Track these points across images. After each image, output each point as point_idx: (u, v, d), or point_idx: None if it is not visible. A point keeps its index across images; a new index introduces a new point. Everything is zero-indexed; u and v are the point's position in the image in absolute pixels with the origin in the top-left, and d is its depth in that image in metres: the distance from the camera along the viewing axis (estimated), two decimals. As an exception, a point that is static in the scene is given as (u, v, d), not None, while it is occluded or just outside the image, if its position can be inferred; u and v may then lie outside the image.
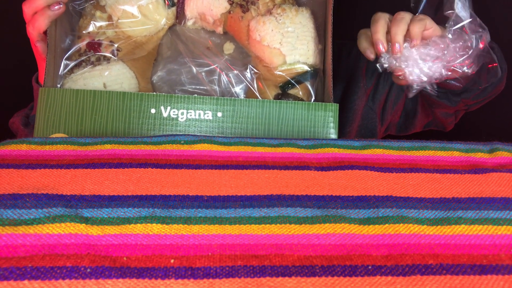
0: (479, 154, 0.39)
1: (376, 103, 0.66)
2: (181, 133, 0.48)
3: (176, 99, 0.49)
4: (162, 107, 0.49)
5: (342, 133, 0.65)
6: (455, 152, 0.39)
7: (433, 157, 0.38)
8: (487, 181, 0.35)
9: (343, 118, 0.65)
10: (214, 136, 0.40)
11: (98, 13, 0.52)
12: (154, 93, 0.50)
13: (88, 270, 0.24)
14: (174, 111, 0.49)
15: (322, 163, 0.37)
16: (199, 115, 0.49)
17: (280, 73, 0.53)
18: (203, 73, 0.55)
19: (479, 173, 0.36)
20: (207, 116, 0.50)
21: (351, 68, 0.67)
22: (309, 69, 0.53)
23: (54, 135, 0.47)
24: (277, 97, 0.54)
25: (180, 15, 0.56)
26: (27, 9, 0.48)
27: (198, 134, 0.49)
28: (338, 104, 0.50)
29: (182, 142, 0.38)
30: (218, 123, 0.49)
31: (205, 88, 0.55)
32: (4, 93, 1.05)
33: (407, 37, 0.48)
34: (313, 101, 0.53)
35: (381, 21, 0.49)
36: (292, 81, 0.53)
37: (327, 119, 0.50)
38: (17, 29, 0.59)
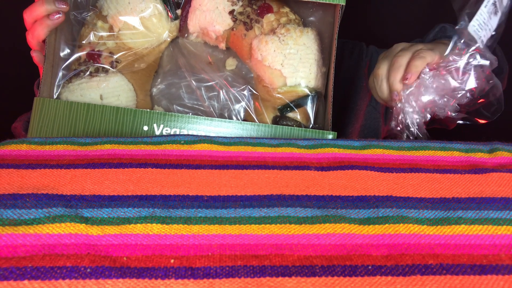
0: (479, 154, 0.38)
1: (380, 102, 0.66)
2: (181, 133, 0.48)
3: (170, 117, 0.48)
4: (155, 125, 0.48)
5: (344, 134, 0.65)
6: (455, 152, 0.39)
7: (433, 157, 0.38)
8: (487, 181, 0.35)
9: (345, 119, 0.65)
10: (214, 136, 0.40)
11: (99, 23, 0.52)
12: (148, 110, 0.49)
13: (88, 270, 0.24)
14: (167, 130, 0.48)
15: (322, 163, 0.37)
16: None
17: (280, 95, 0.51)
18: (202, 89, 0.54)
19: (479, 173, 0.36)
20: None
21: (353, 67, 0.67)
22: (310, 93, 0.51)
23: None
24: (275, 119, 0.52)
25: (183, 29, 0.55)
26: (28, 17, 0.48)
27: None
28: (336, 133, 0.49)
29: (182, 142, 0.38)
30: None
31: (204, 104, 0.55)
32: (4, 94, 1.05)
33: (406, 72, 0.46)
34: (312, 126, 0.52)
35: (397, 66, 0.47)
36: (291, 105, 0.51)
37: None
38: (19, 33, 0.59)
